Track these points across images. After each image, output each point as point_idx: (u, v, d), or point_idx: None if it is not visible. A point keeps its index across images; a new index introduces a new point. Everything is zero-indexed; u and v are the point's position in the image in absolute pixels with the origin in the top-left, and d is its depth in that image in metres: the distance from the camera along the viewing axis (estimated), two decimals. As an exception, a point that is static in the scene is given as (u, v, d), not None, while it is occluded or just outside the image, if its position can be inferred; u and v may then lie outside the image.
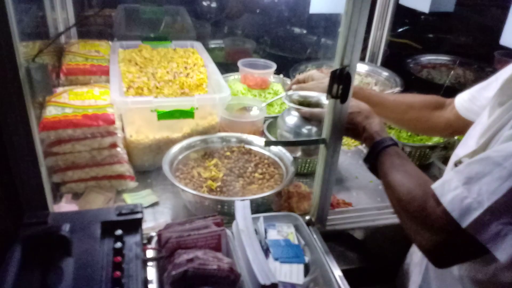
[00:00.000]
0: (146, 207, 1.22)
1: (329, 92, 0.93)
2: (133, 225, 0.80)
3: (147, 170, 1.36)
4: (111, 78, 1.38)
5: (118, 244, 0.73)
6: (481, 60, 2.03)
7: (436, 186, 0.77)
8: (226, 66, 1.86)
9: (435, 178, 1.38)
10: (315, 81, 1.35)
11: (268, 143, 1.20)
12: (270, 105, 1.70)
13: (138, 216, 0.81)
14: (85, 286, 0.66)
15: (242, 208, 0.97)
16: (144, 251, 0.94)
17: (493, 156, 0.70)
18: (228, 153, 1.36)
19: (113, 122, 1.20)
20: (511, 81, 0.82)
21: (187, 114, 1.28)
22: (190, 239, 0.93)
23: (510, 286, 0.80)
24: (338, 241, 1.25)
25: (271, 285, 0.78)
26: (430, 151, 1.46)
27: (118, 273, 0.67)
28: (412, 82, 1.66)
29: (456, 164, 0.84)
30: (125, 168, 1.26)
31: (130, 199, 1.24)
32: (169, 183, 1.26)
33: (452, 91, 1.70)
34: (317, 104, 1.25)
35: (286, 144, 1.21)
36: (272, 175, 1.29)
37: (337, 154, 1.04)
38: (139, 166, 1.36)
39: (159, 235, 0.94)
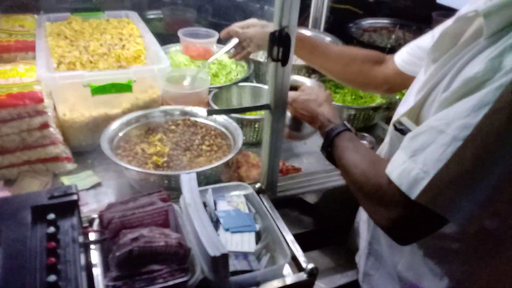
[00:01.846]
0: (88, 189, 1.15)
1: (270, 55, 0.90)
2: (68, 208, 0.74)
3: (85, 151, 1.27)
4: (37, 53, 1.26)
5: (51, 229, 0.68)
6: (420, 22, 2.08)
7: (388, 166, 0.76)
8: (167, 37, 1.76)
9: (379, 139, 1.44)
10: (257, 27, 1.30)
11: (210, 112, 1.16)
12: (215, 75, 1.65)
13: (73, 197, 0.75)
14: (17, 276, 0.60)
15: (188, 181, 0.94)
16: (85, 234, 0.89)
17: (435, 125, 0.69)
18: (173, 127, 1.31)
19: (41, 100, 1.10)
20: (444, 37, 0.82)
21: (124, 87, 1.20)
22: (134, 218, 0.88)
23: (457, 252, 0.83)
24: (291, 207, 1.25)
25: (221, 255, 0.76)
26: (374, 112, 1.48)
27: (52, 259, 0.62)
28: (354, 46, 1.66)
29: (395, 124, 0.84)
30: (60, 149, 1.17)
31: (68, 182, 1.16)
32: (111, 163, 1.19)
33: (393, 53, 1.74)
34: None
35: (229, 112, 1.18)
36: (220, 146, 1.26)
37: (283, 119, 1.02)
38: (77, 146, 1.27)
39: (100, 216, 0.89)
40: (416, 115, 0.81)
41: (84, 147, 1.28)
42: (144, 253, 0.78)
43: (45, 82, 1.15)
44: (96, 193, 1.15)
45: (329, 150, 0.95)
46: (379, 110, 1.49)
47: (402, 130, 0.82)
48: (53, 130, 1.16)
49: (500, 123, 0.62)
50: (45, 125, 1.13)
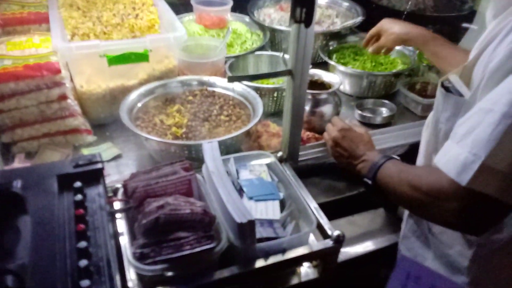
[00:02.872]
0: (109, 161, 1.15)
1: (293, 16, 0.86)
2: (93, 176, 0.74)
3: (104, 123, 1.27)
4: (51, 24, 1.24)
5: (79, 197, 0.67)
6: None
7: (437, 155, 0.71)
8: (179, 6, 1.72)
9: (401, 106, 1.40)
10: (388, 33, 1.29)
11: (231, 79, 1.13)
12: (230, 45, 1.61)
13: (98, 166, 0.75)
14: (47, 243, 0.60)
15: (210, 150, 0.92)
16: (110, 203, 0.89)
17: (483, 106, 0.64)
18: (190, 98, 1.29)
19: (58, 71, 1.09)
20: None
21: (141, 57, 1.18)
22: (158, 187, 0.88)
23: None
24: (324, 174, 1.22)
25: (248, 222, 0.75)
26: (395, 79, 1.44)
27: (82, 226, 0.62)
28: (372, 10, 1.61)
29: (442, 82, 0.79)
30: (80, 122, 1.17)
31: (89, 153, 1.16)
32: (131, 134, 1.19)
33: (412, 17, 1.68)
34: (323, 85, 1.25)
35: (249, 78, 1.15)
36: (239, 116, 1.24)
37: (305, 85, 0.99)
38: (95, 119, 1.26)
39: (124, 185, 0.88)
40: (469, 74, 0.76)
41: (102, 119, 1.27)
42: (170, 221, 0.78)
43: (61, 52, 1.13)
44: (117, 165, 1.15)
45: (375, 176, 0.88)
46: (401, 76, 1.45)
47: (448, 88, 0.77)
48: (71, 102, 1.15)
49: None
50: (63, 97, 1.12)
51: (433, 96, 1.35)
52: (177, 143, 1.08)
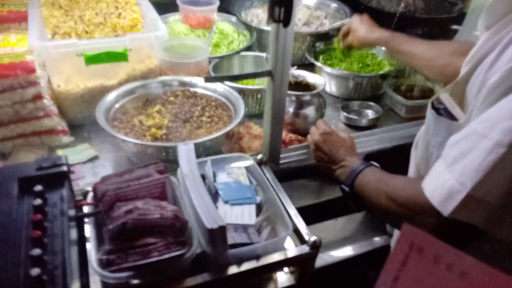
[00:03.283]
0: (85, 163, 1.12)
1: (271, 15, 0.84)
2: (57, 179, 0.71)
3: (82, 124, 1.23)
4: (30, 23, 1.21)
5: (38, 201, 0.64)
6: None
7: (425, 177, 0.68)
8: (165, 5, 1.69)
9: (387, 108, 1.37)
10: (354, 35, 1.37)
11: (208, 79, 1.10)
12: (216, 45, 1.58)
13: (62, 169, 0.72)
14: (0, 248, 0.57)
15: (185, 152, 0.89)
16: (79, 207, 0.85)
17: (478, 129, 0.60)
18: (172, 98, 1.26)
19: (33, 71, 1.06)
20: (498, 1, 0.70)
21: (120, 56, 1.15)
22: (130, 190, 0.85)
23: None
24: (307, 177, 1.19)
25: (219, 228, 0.72)
26: (382, 81, 1.42)
27: (38, 232, 0.59)
28: (361, 12, 1.58)
29: (433, 102, 0.75)
30: (55, 122, 1.13)
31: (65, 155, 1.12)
32: (108, 135, 1.15)
33: (402, 19, 1.66)
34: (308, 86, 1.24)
35: (227, 79, 1.12)
36: (221, 117, 1.21)
37: (285, 86, 0.97)
38: (73, 119, 1.23)
39: (94, 188, 0.85)
40: (462, 91, 0.71)
41: (80, 120, 1.24)
42: (138, 226, 0.75)
43: (38, 51, 1.10)
44: (93, 166, 1.12)
45: (352, 183, 0.86)
46: (388, 78, 1.43)
47: (438, 110, 0.72)
48: (47, 102, 1.12)
49: None
50: (38, 97, 1.09)
51: (419, 98, 1.35)
52: (154, 145, 1.05)
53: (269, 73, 0.94)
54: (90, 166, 1.11)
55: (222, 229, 0.73)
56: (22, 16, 1.36)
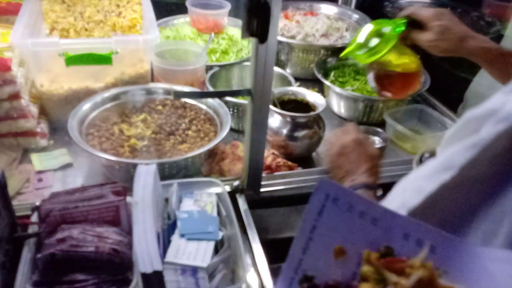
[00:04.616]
0: (56, 170, 1.05)
1: (247, 28, 0.73)
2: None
3: (65, 127, 1.16)
4: (18, 17, 1.15)
5: None
6: (467, 4, 1.79)
7: None
8: (176, 6, 1.62)
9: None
10: (450, 32, 0.98)
11: (177, 94, 1.00)
12: (224, 52, 1.49)
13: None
14: None
15: (143, 175, 0.80)
16: (24, 225, 0.78)
17: None
18: (159, 107, 1.17)
19: (8, 69, 1.00)
20: None
21: (103, 59, 1.07)
22: (77, 212, 0.77)
23: None
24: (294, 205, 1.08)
25: (154, 273, 0.62)
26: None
27: None
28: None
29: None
30: (32, 124, 1.07)
31: (38, 159, 1.06)
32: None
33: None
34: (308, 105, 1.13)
35: (199, 96, 1.02)
36: (207, 132, 1.11)
37: (266, 108, 0.85)
38: (56, 121, 1.17)
39: (39, 207, 0.77)
40: None
41: (63, 123, 1.16)
42: (68, 258, 0.67)
43: (17, 48, 1.04)
44: (64, 175, 1.05)
45: None
46: (401, 103, 1.28)
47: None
48: (25, 102, 1.06)
49: None
50: (15, 96, 1.03)
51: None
52: (123, 161, 0.96)
53: (248, 92, 0.83)
54: (60, 175, 1.04)
55: (157, 275, 0.63)
56: (23, 9, 1.32)
